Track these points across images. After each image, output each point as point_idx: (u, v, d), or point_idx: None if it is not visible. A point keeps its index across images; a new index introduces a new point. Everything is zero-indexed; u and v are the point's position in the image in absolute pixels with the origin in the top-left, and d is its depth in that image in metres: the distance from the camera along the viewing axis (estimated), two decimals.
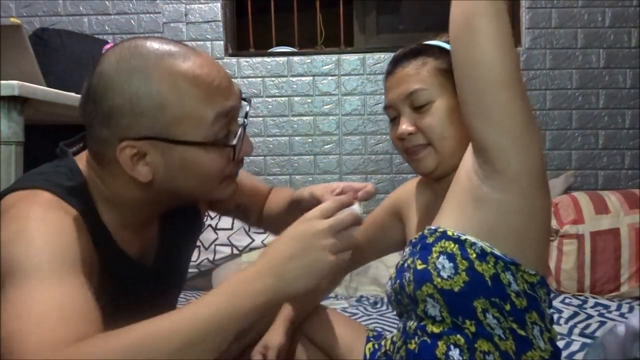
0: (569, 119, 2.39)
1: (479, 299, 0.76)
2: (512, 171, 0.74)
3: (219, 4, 2.43)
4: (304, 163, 2.44)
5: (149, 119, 0.70)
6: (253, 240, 2.19)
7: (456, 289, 0.77)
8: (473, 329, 0.77)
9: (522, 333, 0.77)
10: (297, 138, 2.44)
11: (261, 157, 2.44)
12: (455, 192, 0.82)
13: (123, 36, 2.44)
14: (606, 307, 1.82)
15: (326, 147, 2.44)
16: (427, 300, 0.80)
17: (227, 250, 2.18)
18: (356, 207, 0.72)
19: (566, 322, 1.68)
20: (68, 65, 1.96)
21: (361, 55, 2.42)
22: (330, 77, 2.42)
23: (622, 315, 1.76)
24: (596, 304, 1.85)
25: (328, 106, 2.43)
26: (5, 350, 0.55)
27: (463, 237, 0.78)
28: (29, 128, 1.29)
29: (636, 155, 2.38)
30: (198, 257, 2.16)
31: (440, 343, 0.79)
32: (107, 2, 2.45)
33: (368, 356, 1.01)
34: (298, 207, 0.95)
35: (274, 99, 2.44)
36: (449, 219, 0.82)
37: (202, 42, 2.44)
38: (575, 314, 1.74)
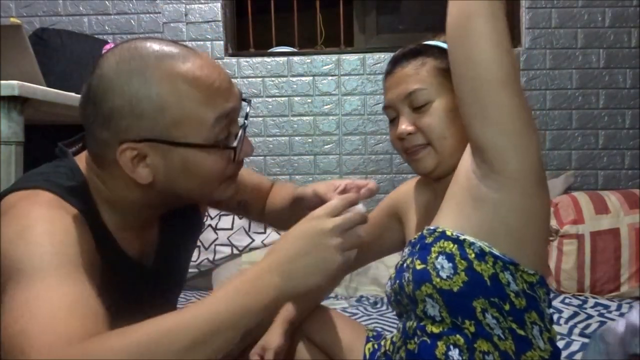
0: (569, 119, 2.39)
1: (478, 299, 0.76)
2: (510, 171, 0.74)
3: (219, 4, 2.43)
4: (304, 163, 2.44)
5: (149, 121, 0.70)
6: (253, 240, 2.19)
7: (455, 289, 0.77)
8: (472, 329, 0.77)
9: (522, 333, 0.78)
10: (297, 138, 2.45)
11: (261, 157, 2.44)
12: (454, 192, 0.82)
13: (123, 36, 2.44)
14: (606, 307, 1.82)
15: (326, 147, 2.44)
16: (426, 301, 0.80)
17: (227, 250, 2.18)
18: (361, 205, 0.72)
19: (566, 322, 1.68)
20: (68, 65, 1.96)
21: (361, 55, 2.42)
22: (330, 77, 2.42)
23: (622, 315, 1.76)
24: (596, 304, 1.85)
25: (328, 106, 2.43)
26: (14, 349, 0.55)
27: (462, 237, 0.78)
28: (29, 128, 1.29)
29: (636, 155, 2.38)
30: (198, 257, 2.16)
31: (439, 343, 0.79)
32: (107, 2, 2.45)
33: (368, 356, 1.01)
34: (301, 204, 0.95)
35: (274, 99, 2.44)
36: (447, 219, 0.82)
37: (202, 42, 2.44)
38: (575, 314, 1.74)
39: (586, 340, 1.51)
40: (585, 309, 1.81)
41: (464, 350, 0.77)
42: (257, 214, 1.12)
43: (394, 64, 0.91)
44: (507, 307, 0.77)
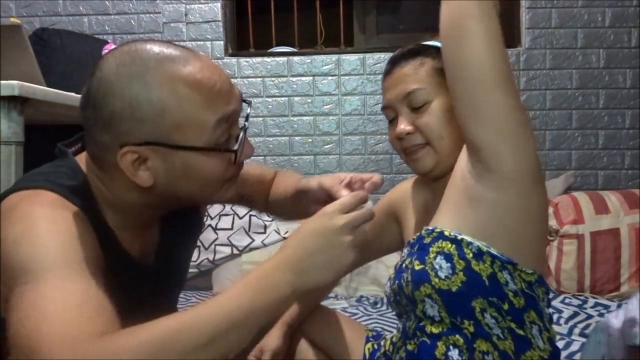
0: (569, 119, 2.39)
1: (477, 299, 0.76)
2: (505, 170, 0.74)
3: (219, 4, 2.43)
4: (304, 163, 2.44)
5: (149, 124, 0.70)
6: (253, 240, 2.19)
7: (454, 289, 0.77)
8: (472, 329, 0.77)
9: (521, 332, 0.78)
10: (297, 138, 2.45)
11: (261, 157, 2.44)
12: (452, 192, 0.82)
13: (123, 36, 2.44)
14: (606, 307, 1.82)
15: (326, 147, 2.44)
16: (425, 301, 0.80)
17: (227, 250, 2.18)
18: (369, 201, 0.73)
19: (566, 322, 1.68)
20: (68, 65, 1.96)
21: (361, 55, 2.42)
22: (330, 77, 2.42)
23: None
24: (596, 304, 1.85)
25: (328, 106, 2.43)
26: (24, 350, 0.55)
27: (460, 237, 0.78)
28: (29, 128, 1.29)
29: (636, 155, 2.38)
30: (198, 257, 2.16)
31: (439, 343, 0.79)
32: (107, 2, 2.45)
33: (367, 356, 1.01)
34: (304, 196, 0.95)
35: (274, 99, 2.44)
36: (445, 219, 0.82)
37: (202, 42, 2.44)
38: (575, 314, 1.74)
39: (586, 340, 1.51)
40: (585, 309, 1.81)
41: (464, 350, 0.77)
42: (261, 205, 1.11)
43: (392, 64, 0.91)
44: (505, 306, 0.77)
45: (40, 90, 1.31)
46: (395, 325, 1.69)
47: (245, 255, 2.18)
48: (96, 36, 2.36)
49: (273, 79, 2.44)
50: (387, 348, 0.96)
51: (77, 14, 2.45)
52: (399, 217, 1.04)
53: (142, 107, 0.69)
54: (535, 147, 0.77)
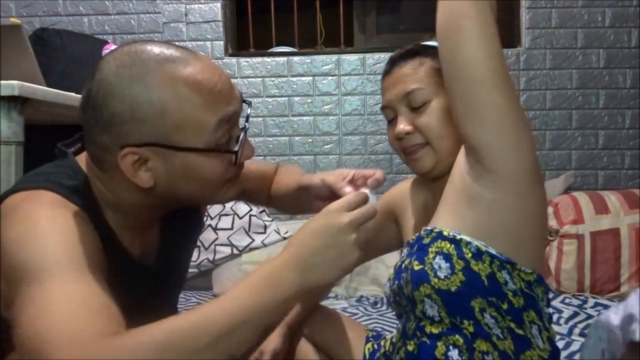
0: (569, 119, 2.39)
1: (476, 299, 0.76)
2: (503, 170, 0.75)
3: (219, 4, 2.43)
4: (304, 163, 2.44)
5: (150, 125, 0.70)
6: (253, 240, 2.19)
7: (453, 289, 0.77)
8: (471, 329, 0.77)
9: (521, 332, 0.78)
10: (297, 138, 2.45)
11: (261, 157, 2.43)
12: (450, 192, 0.82)
13: (123, 36, 2.44)
14: (606, 307, 1.82)
15: (326, 147, 2.44)
16: (425, 301, 0.80)
17: (227, 250, 2.18)
18: (372, 197, 0.73)
19: (566, 322, 1.68)
20: (68, 65, 1.96)
21: (361, 55, 2.42)
22: (330, 77, 2.43)
23: None
24: (596, 304, 1.85)
25: (328, 106, 2.43)
26: (32, 351, 0.55)
27: (458, 237, 0.78)
28: (29, 128, 1.29)
29: (636, 155, 2.38)
30: (198, 257, 2.16)
31: (439, 344, 0.79)
32: (107, 2, 2.45)
33: (367, 356, 1.01)
34: (307, 192, 0.95)
35: (274, 99, 2.44)
36: (444, 219, 0.82)
37: (202, 42, 2.44)
38: (575, 314, 1.74)
39: (586, 336, 1.51)
40: (585, 309, 1.81)
41: (464, 350, 0.77)
42: (263, 200, 1.12)
43: (391, 64, 0.91)
44: (505, 306, 0.77)
45: (40, 90, 1.31)
46: (395, 325, 1.69)
47: (245, 255, 2.18)
48: (96, 36, 2.36)
49: (273, 79, 2.44)
50: (387, 348, 0.96)
51: (77, 14, 2.45)
52: (398, 217, 1.04)
53: (142, 108, 0.69)
54: (533, 147, 0.77)
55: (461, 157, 0.81)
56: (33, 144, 1.33)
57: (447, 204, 0.82)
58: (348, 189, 0.86)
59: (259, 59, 2.44)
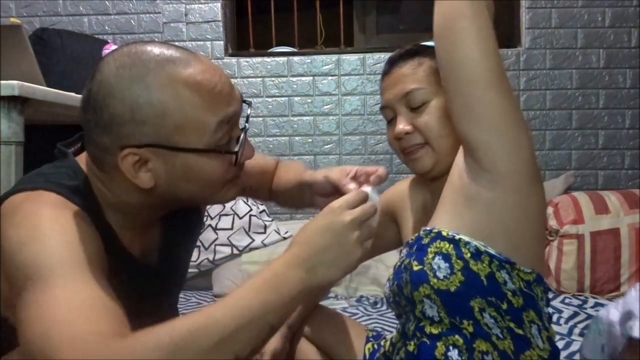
0: (569, 119, 2.39)
1: (476, 299, 0.76)
2: (500, 169, 0.75)
3: (219, 4, 2.43)
4: (304, 163, 2.44)
5: (150, 126, 0.70)
6: (253, 240, 2.19)
7: (452, 289, 0.77)
8: (471, 329, 0.77)
9: (520, 332, 0.78)
10: (297, 138, 2.45)
11: None
12: (449, 192, 0.83)
13: (123, 36, 2.44)
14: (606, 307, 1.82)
15: (326, 147, 2.44)
16: (424, 301, 0.80)
17: (227, 250, 2.18)
18: (375, 194, 0.74)
19: (566, 322, 1.68)
20: (68, 65, 1.96)
21: (361, 55, 2.42)
22: (330, 77, 2.43)
23: None
24: (596, 304, 1.85)
25: (328, 106, 2.43)
26: (37, 354, 0.55)
27: (457, 237, 0.78)
28: (29, 128, 1.29)
29: (636, 155, 2.38)
30: (198, 257, 2.16)
31: (439, 344, 0.79)
32: (107, 2, 2.45)
33: (367, 356, 1.01)
34: (309, 189, 0.96)
35: (274, 99, 2.44)
36: (443, 219, 0.82)
37: (202, 42, 2.44)
38: (575, 314, 1.74)
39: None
40: (585, 309, 1.81)
41: (463, 350, 0.77)
42: (265, 195, 1.12)
43: (391, 64, 0.92)
44: (504, 306, 0.77)
45: (40, 90, 1.31)
46: (395, 325, 1.69)
47: (245, 255, 2.18)
48: (96, 36, 2.36)
49: (273, 79, 2.44)
50: (387, 349, 0.96)
51: (77, 14, 2.45)
52: (397, 216, 1.04)
53: (142, 109, 0.69)
54: (531, 146, 0.77)
55: (460, 157, 0.81)
56: (33, 144, 1.33)
57: (446, 204, 0.83)
58: (352, 185, 0.86)
59: (259, 59, 2.44)
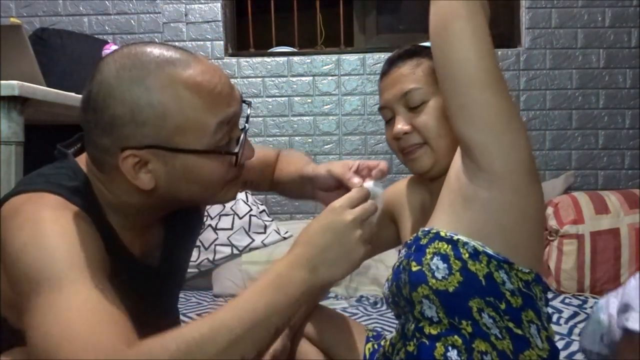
0: (569, 119, 2.39)
1: (474, 299, 0.77)
2: (497, 169, 0.75)
3: (219, 4, 2.43)
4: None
5: (150, 128, 0.70)
6: (253, 240, 2.19)
7: (451, 289, 0.77)
8: (470, 329, 0.77)
9: (519, 332, 0.78)
10: (297, 138, 2.45)
11: None
12: (447, 192, 0.83)
13: (123, 36, 2.44)
14: None
15: (326, 147, 2.44)
16: (423, 302, 0.80)
17: (227, 250, 2.18)
18: (378, 188, 0.75)
19: (566, 322, 1.68)
20: (68, 65, 1.96)
21: (361, 55, 2.42)
22: (330, 77, 2.43)
23: None
24: (596, 304, 1.85)
25: (328, 106, 2.43)
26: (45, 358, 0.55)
27: (455, 237, 0.78)
28: (29, 128, 1.29)
29: (636, 155, 2.38)
30: (198, 257, 2.16)
31: (438, 344, 0.79)
32: (107, 2, 2.45)
33: (368, 356, 1.01)
34: (311, 182, 0.96)
35: (274, 99, 2.44)
36: (441, 220, 0.82)
37: (202, 42, 2.44)
38: (575, 314, 1.74)
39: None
40: (585, 309, 1.81)
41: (462, 350, 0.77)
42: (266, 187, 1.12)
43: (389, 64, 0.92)
44: (503, 306, 0.77)
45: (40, 90, 1.31)
46: (395, 326, 1.69)
47: (245, 255, 2.18)
48: (96, 36, 2.36)
49: (273, 79, 2.44)
50: (386, 349, 0.96)
51: (77, 14, 2.45)
52: (396, 216, 1.04)
53: (143, 110, 0.69)
54: (528, 146, 0.77)
55: (457, 158, 0.81)
56: (33, 144, 1.33)
57: (444, 204, 0.83)
58: (356, 179, 0.86)
59: (259, 59, 2.44)
